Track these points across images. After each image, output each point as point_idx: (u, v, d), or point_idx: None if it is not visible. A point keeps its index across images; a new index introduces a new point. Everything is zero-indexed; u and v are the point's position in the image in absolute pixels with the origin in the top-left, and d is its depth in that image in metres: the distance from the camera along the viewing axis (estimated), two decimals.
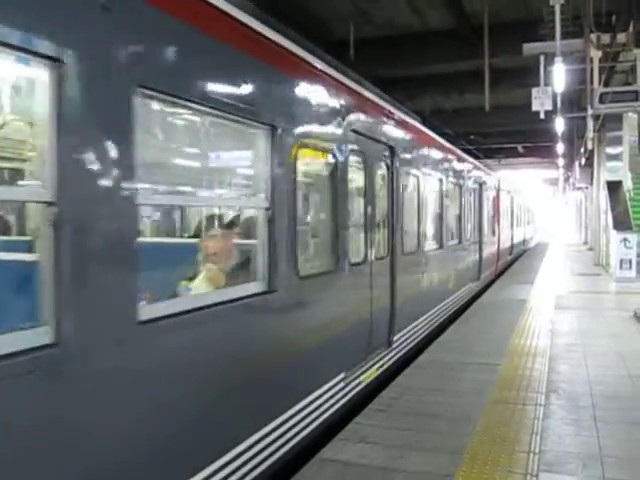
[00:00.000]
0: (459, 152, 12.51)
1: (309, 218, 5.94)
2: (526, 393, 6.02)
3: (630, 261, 16.58)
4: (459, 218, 12.01)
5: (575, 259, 25.20)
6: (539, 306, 11.79)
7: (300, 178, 4.88)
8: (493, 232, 17.22)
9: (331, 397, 5.31)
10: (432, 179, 9.71)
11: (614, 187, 20.04)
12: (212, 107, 3.64)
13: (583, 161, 26.40)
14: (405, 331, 7.70)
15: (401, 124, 7.94)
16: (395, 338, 7.20)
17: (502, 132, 27.52)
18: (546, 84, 13.75)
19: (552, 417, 5.36)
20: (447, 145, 11.28)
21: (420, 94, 19.84)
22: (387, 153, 7.12)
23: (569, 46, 12.55)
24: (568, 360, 7.43)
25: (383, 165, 7.08)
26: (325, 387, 5.18)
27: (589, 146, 18.47)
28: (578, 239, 41.29)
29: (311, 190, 5.91)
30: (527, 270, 19.73)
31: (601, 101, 12.07)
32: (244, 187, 5.38)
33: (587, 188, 30.41)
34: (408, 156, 8.12)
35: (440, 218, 10.20)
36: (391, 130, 7.36)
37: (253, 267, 4.34)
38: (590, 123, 15.46)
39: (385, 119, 7.18)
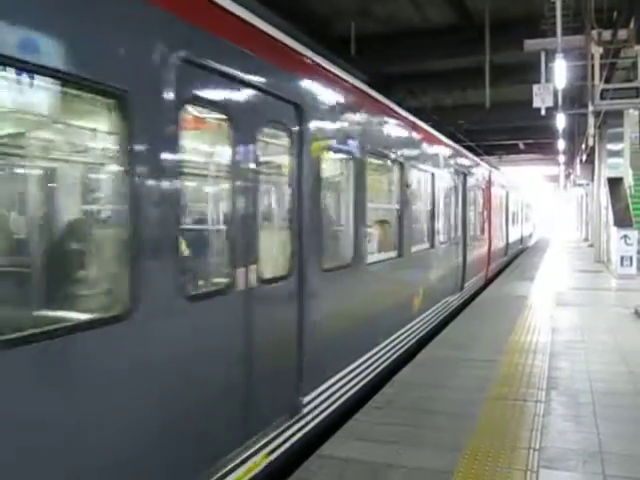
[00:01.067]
0: (430, 130, 9.78)
1: (61, 223, 3.68)
2: (526, 390, 6.02)
3: (631, 258, 16.57)
4: (431, 216, 9.54)
5: (576, 256, 25.20)
6: (540, 303, 11.79)
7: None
8: (482, 231, 15.17)
9: None
10: (381, 161, 7.38)
11: (615, 184, 20.04)
12: None
13: (584, 158, 26.34)
14: (327, 385, 5.27)
15: (319, 74, 5.29)
16: (307, 399, 4.84)
17: (503, 129, 27.44)
18: (547, 81, 13.72)
19: (552, 414, 5.36)
20: (409, 118, 8.41)
21: (421, 91, 19.81)
22: (289, 115, 4.62)
23: (570, 42, 12.51)
24: (568, 357, 7.43)
25: (278, 133, 4.67)
26: None
27: (590, 143, 18.42)
28: (579, 236, 41.27)
29: (60, 169, 3.71)
30: (528, 267, 19.74)
31: (602, 98, 12.05)
32: None
33: (588, 185, 30.38)
34: (333, 124, 5.51)
35: (399, 216, 7.67)
36: (297, 80, 4.83)
37: None
38: (591, 120, 15.42)
39: (282, 59, 4.62)
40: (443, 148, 10.71)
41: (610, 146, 21.63)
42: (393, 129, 7.65)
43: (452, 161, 11.37)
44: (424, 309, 8.94)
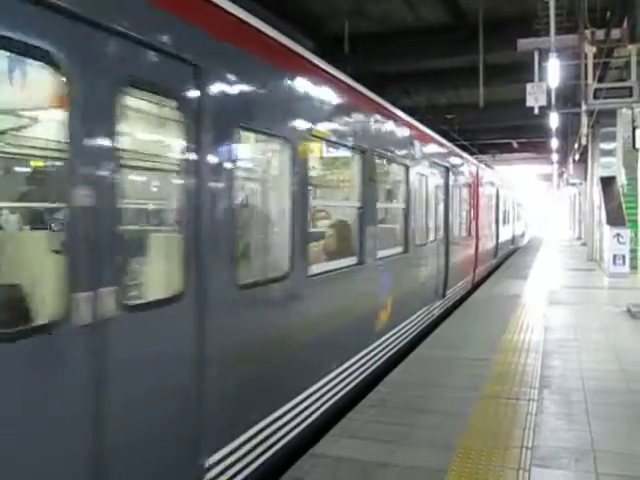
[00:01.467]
0: (402, 115, 8.43)
1: None
2: (519, 388, 6.04)
3: (623, 256, 16.64)
4: (405, 215, 8.23)
5: (568, 255, 25.30)
6: (533, 301, 11.83)
7: None
8: (468, 231, 14.12)
9: None
10: (333, 148, 6.29)
11: (608, 183, 20.10)
12: None
13: (577, 157, 26.42)
14: (244, 438, 3.99)
15: (234, 27, 4.00)
16: (213, 460, 3.62)
17: (497, 128, 27.52)
18: (540, 80, 13.75)
19: (545, 412, 5.38)
20: (373, 98, 7.06)
21: (415, 90, 19.85)
22: (180, 79, 3.41)
23: (563, 42, 12.54)
24: (561, 355, 7.46)
25: (161, 101, 3.66)
26: None
27: (583, 142, 18.48)
28: (572, 235, 41.45)
29: None
30: (521, 266, 19.81)
31: (595, 97, 12.09)
32: None
33: (581, 184, 30.49)
34: (255, 95, 4.24)
35: (360, 216, 6.42)
36: (198, 32, 3.57)
37: None
38: (584, 119, 15.47)
39: (173, 2, 3.36)
40: (420, 138, 9.31)
41: (603, 145, 21.69)
42: (349, 109, 6.22)
43: (432, 154, 10.09)
44: (393, 325, 7.62)
